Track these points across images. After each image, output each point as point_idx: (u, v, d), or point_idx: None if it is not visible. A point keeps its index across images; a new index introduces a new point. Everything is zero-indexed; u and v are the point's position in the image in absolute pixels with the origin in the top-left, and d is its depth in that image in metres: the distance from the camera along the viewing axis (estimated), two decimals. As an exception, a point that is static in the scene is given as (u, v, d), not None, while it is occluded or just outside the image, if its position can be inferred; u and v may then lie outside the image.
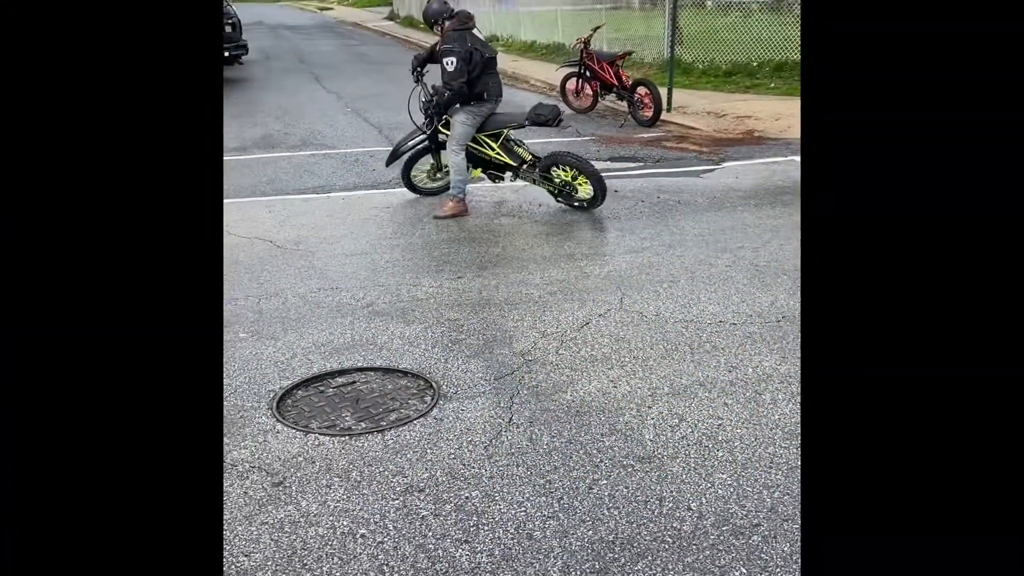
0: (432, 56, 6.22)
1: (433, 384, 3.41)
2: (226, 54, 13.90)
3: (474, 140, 6.09)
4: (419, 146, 6.38)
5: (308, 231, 5.75)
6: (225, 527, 2.50)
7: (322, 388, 3.42)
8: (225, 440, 3.00)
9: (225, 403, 3.27)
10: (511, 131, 6.16)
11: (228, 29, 14.12)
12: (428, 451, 2.91)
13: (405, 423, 3.10)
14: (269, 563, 2.34)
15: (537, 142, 8.66)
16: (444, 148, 6.22)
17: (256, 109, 11.45)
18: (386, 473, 2.78)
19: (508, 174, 6.32)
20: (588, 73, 10.47)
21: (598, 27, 11.38)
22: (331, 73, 15.30)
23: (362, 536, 2.45)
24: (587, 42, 10.56)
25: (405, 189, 6.87)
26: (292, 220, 6.04)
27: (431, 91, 6.06)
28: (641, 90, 9.90)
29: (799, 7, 15.83)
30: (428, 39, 22.57)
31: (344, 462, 2.85)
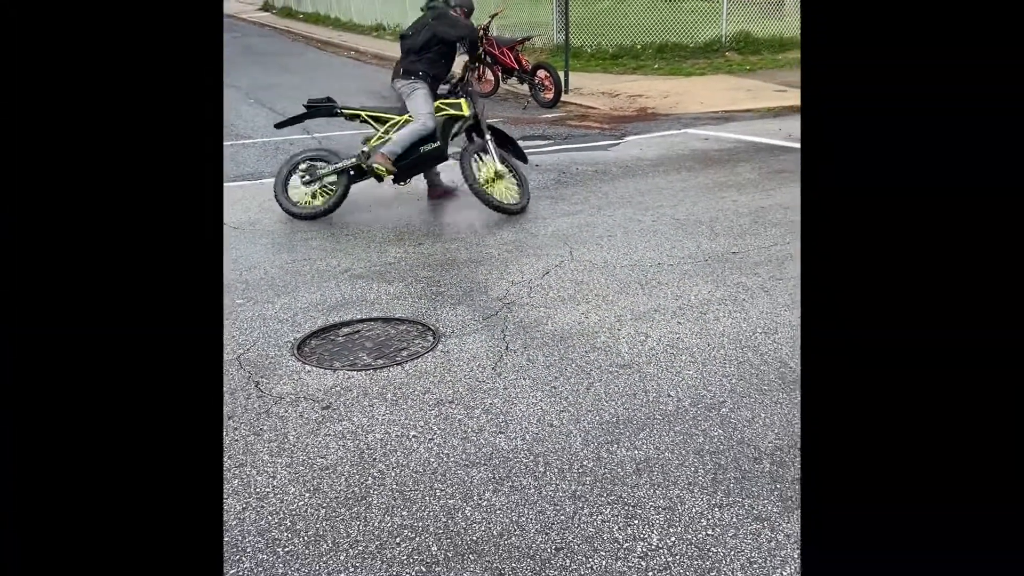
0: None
1: (431, 327, 3.92)
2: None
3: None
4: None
5: (258, 214, 6.07)
6: (295, 441, 2.96)
7: (332, 337, 3.87)
8: (265, 380, 3.42)
9: (250, 353, 3.68)
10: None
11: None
12: (446, 375, 3.43)
13: (417, 357, 3.61)
14: (344, 461, 2.82)
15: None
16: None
17: (156, 103, 11.36)
18: (416, 393, 3.29)
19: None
20: (489, 59, 11.05)
21: (495, 14, 11.96)
22: (222, 66, 15.15)
23: (414, 436, 2.97)
24: (486, 29, 11.13)
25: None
26: (238, 204, 6.32)
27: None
28: (541, 73, 10.58)
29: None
30: (308, 29, 22.47)
31: (377, 388, 3.34)
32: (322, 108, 5.99)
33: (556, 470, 2.73)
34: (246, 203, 6.34)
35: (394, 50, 16.92)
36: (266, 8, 28.99)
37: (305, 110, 6.06)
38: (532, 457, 2.81)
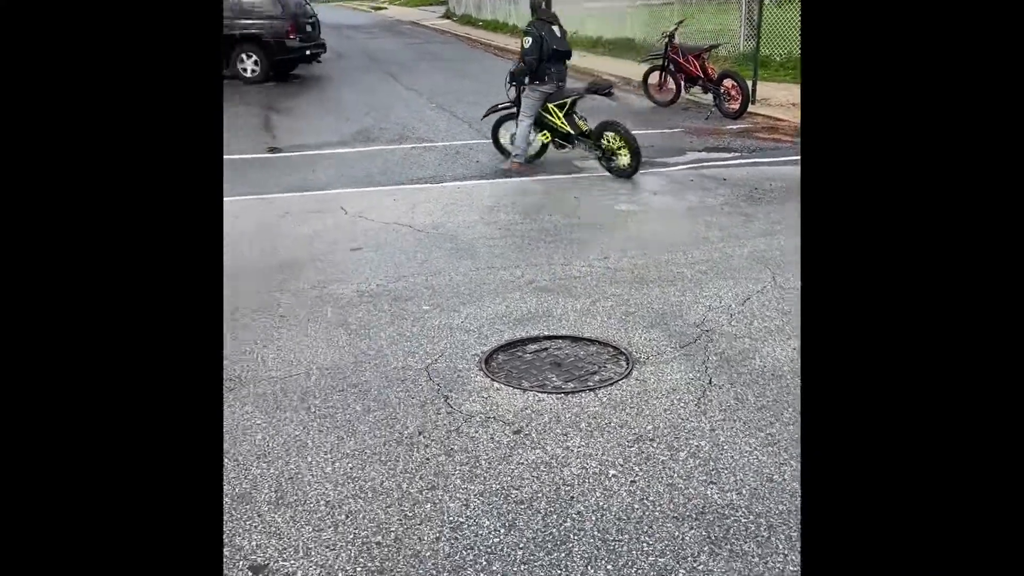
0: None
1: (623, 350, 3.65)
2: (308, 52, 14.38)
3: (545, 110, 7.37)
4: (504, 110, 7.80)
5: (440, 217, 6.04)
6: (487, 467, 2.78)
7: (519, 353, 3.69)
8: (454, 395, 3.28)
9: (439, 365, 3.56)
10: (575, 103, 7.39)
11: (309, 28, 14.59)
12: (643, 407, 3.15)
13: (611, 383, 3.35)
14: (540, 496, 2.61)
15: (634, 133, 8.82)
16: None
17: (343, 106, 11.82)
18: (612, 425, 3.03)
19: (569, 145, 7.43)
20: (672, 67, 10.65)
21: (681, 21, 11.55)
22: (404, 71, 15.64)
23: (614, 476, 2.71)
24: (671, 36, 10.75)
25: (516, 179, 7.20)
26: (420, 207, 6.33)
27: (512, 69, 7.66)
28: (728, 82, 10.06)
29: None
30: (487, 36, 22.89)
31: (569, 415, 3.11)
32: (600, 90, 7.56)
33: (783, 536, 2.38)
34: (429, 206, 6.34)
35: (579, 58, 16.88)
36: (447, 16, 29.89)
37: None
38: (752, 517, 2.47)
